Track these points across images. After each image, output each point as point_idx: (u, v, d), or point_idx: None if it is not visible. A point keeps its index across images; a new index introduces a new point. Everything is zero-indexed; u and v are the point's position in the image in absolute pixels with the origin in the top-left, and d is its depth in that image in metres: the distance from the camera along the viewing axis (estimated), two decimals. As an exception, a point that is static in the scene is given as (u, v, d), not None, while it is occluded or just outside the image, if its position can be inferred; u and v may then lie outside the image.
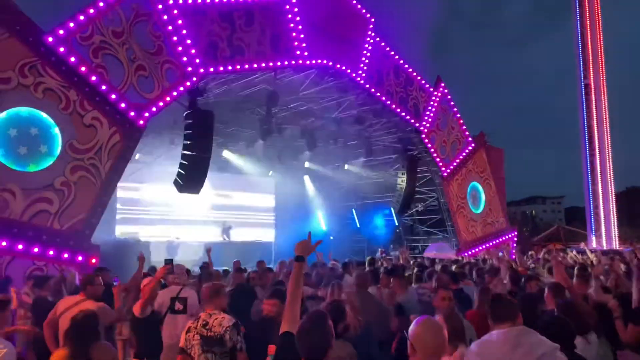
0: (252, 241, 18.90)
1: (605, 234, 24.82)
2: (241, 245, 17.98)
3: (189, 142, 11.26)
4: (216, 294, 4.44)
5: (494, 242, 18.39)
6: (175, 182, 11.63)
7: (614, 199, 25.28)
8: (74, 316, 3.49)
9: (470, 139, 18.75)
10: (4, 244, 8.24)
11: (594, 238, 25.05)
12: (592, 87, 25.21)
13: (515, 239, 19.87)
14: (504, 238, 18.99)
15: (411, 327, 2.44)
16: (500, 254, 14.27)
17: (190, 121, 11.36)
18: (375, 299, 5.70)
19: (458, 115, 18.47)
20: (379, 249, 19.77)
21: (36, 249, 8.57)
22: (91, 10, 9.50)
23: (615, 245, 23.91)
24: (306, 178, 21.67)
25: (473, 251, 17.12)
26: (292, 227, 20.19)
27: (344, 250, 19.42)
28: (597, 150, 25.04)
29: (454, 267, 9.36)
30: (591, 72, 25.20)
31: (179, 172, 11.48)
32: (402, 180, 17.70)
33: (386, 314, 5.33)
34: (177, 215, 17.97)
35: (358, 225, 22.35)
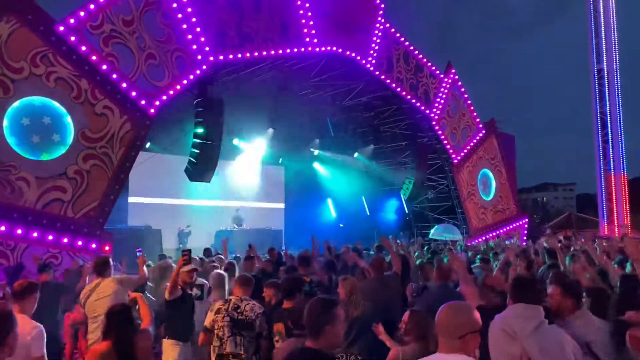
0: (262, 228, 18.97)
1: (617, 222, 24.61)
2: (251, 232, 18.06)
3: (199, 131, 11.31)
4: (248, 282, 4.91)
5: (505, 229, 18.34)
6: (186, 171, 11.71)
7: (626, 186, 25.01)
8: (111, 309, 3.61)
9: (481, 125, 18.62)
10: (19, 231, 8.39)
11: (605, 226, 24.86)
12: (605, 72, 24.83)
13: (526, 226, 19.79)
14: (514, 225, 18.93)
15: None
16: (508, 242, 14.21)
17: (200, 109, 11.40)
18: (391, 283, 5.74)
19: (469, 102, 18.33)
20: (390, 237, 19.74)
21: (50, 237, 8.73)
22: (101, -1, 9.53)
23: (628, 232, 23.70)
24: (316, 165, 21.68)
25: (483, 238, 17.09)
26: (302, 214, 20.27)
27: (354, 237, 19.44)
28: (609, 137, 24.74)
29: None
30: (604, 57, 24.81)
31: (189, 160, 11.55)
32: (411, 168, 17.66)
33: (394, 299, 5.44)
34: (188, 203, 18.10)
35: (368, 213, 22.35)
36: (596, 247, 8.25)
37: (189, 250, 5.37)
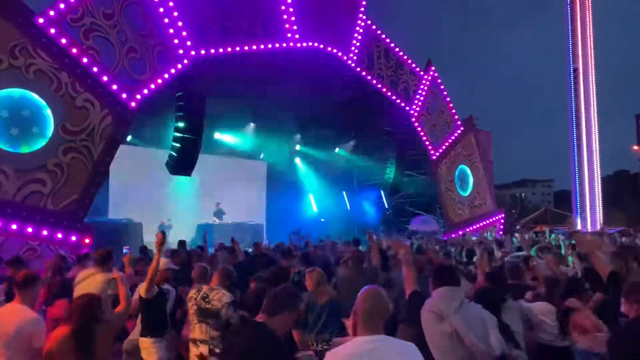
0: (243, 222, 19.05)
1: (590, 217, 25.26)
2: (232, 226, 18.13)
3: (180, 125, 11.36)
4: (227, 275, 4.97)
5: (481, 224, 18.71)
6: (167, 164, 11.76)
7: (599, 183, 25.68)
8: (79, 298, 3.69)
9: (459, 122, 18.94)
10: (-2, 224, 8.37)
11: (579, 220, 25.50)
12: (581, 71, 25.39)
13: (502, 220, 20.22)
14: (491, 220, 19.32)
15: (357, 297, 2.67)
16: (474, 237, 14.56)
17: (181, 103, 11.44)
18: (369, 274, 5.93)
19: (448, 99, 18.62)
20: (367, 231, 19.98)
21: (30, 229, 8.72)
22: (82, -8, 9.51)
23: (600, 227, 24.34)
24: (297, 160, 21.82)
25: (460, 232, 17.43)
26: (283, 209, 20.40)
27: (335, 232, 19.66)
28: (584, 134, 25.33)
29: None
30: (580, 57, 25.36)
31: (170, 154, 11.60)
32: (391, 164, 17.93)
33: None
34: (169, 196, 18.08)
35: (348, 208, 22.58)
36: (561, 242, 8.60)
37: (164, 232, 5.37)
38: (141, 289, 5.14)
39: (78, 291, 5.32)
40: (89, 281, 5.40)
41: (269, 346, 2.73)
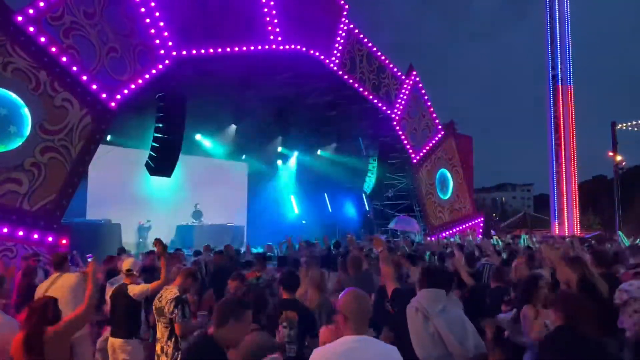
0: (223, 224, 18.98)
1: (567, 221, 25.73)
2: (213, 228, 18.07)
3: (161, 125, 11.32)
4: (190, 274, 4.96)
5: (461, 227, 18.94)
6: (147, 165, 11.70)
7: (576, 188, 26.18)
8: (34, 302, 3.69)
9: (440, 126, 19.17)
10: (-28, 224, 8.25)
11: (556, 225, 25.95)
12: (560, 78, 25.88)
13: (482, 224, 20.49)
14: (470, 223, 19.58)
15: (340, 298, 2.71)
16: (452, 239, 14.77)
17: (162, 104, 11.40)
18: (367, 278, 6.00)
19: (429, 104, 18.84)
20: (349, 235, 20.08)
21: (5, 230, 8.61)
22: (62, -10, 9.42)
23: (577, 232, 24.83)
24: (279, 162, 21.82)
25: (440, 235, 17.61)
26: (265, 211, 20.38)
27: (316, 234, 19.71)
28: (562, 140, 25.80)
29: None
30: (559, 64, 25.85)
31: (150, 154, 11.54)
32: (372, 167, 18.07)
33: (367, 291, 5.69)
34: (148, 197, 17.93)
35: (330, 210, 22.65)
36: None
37: (159, 239, 5.37)
38: (134, 291, 5.18)
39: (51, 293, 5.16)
40: (58, 284, 5.27)
41: (204, 357, 2.74)
